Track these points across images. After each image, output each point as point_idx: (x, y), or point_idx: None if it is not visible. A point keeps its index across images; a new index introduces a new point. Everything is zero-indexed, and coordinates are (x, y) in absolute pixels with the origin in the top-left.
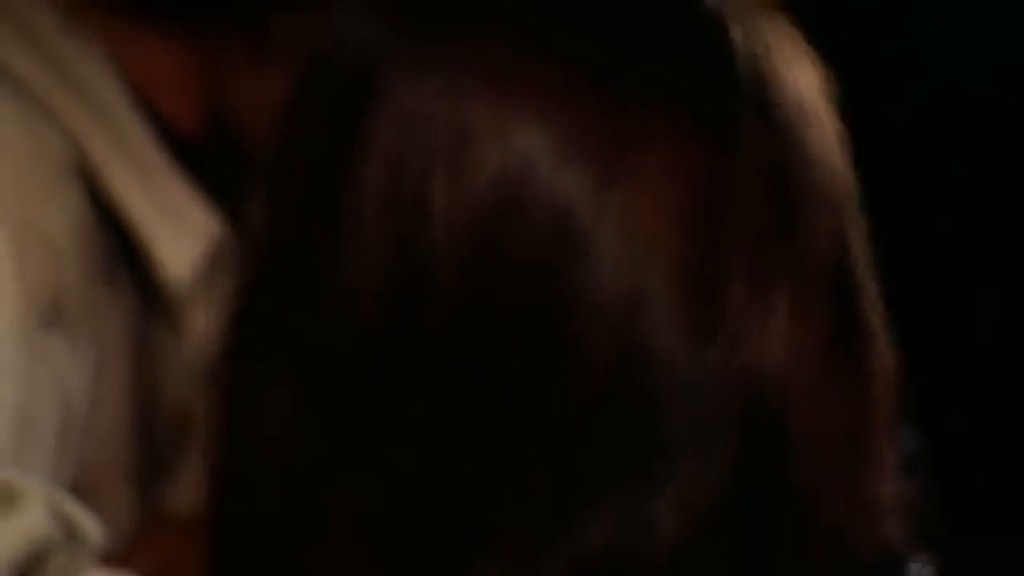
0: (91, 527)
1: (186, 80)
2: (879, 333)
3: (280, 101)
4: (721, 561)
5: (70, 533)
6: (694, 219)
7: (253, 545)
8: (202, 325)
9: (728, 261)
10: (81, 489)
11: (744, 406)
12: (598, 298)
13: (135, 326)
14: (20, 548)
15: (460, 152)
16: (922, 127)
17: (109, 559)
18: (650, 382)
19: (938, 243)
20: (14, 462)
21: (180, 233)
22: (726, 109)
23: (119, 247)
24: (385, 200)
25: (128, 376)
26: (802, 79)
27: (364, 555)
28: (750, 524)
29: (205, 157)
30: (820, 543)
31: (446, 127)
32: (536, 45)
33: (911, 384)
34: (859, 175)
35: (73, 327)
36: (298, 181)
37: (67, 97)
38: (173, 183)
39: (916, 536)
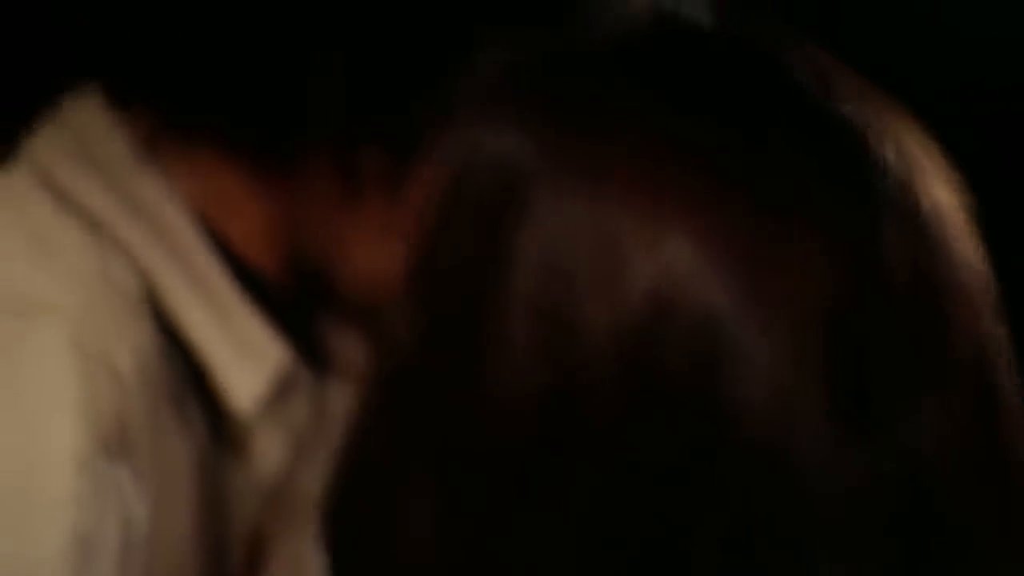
0: None
1: (264, 210)
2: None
3: (382, 227)
4: None
5: None
6: (842, 323)
7: None
8: (270, 450)
9: (876, 364)
10: None
11: (894, 505)
12: (750, 404)
13: (202, 451)
14: None
15: (608, 264)
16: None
17: None
18: (801, 484)
19: None
20: None
21: (246, 362)
22: (870, 215)
23: (187, 372)
24: (534, 312)
25: (195, 501)
26: (937, 184)
27: None
28: None
29: (278, 286)
30: None
31: (593, 238)
32: (680, 155)
33: None
34: None
35: (137, 456)
36: (444, 294)
37: (135, 227)
38: (241, 311)
39: None
